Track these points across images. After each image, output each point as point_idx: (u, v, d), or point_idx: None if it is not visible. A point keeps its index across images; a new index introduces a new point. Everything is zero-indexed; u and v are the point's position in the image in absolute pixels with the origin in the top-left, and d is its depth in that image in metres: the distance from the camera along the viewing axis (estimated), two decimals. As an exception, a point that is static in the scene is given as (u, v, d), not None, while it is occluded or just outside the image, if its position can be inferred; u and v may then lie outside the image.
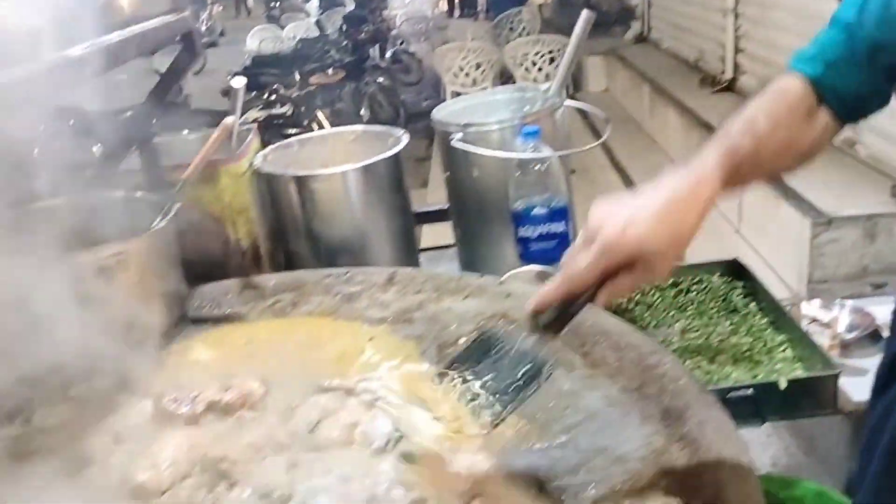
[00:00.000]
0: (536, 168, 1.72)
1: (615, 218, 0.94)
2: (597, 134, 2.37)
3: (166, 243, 1.47)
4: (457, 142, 1.79)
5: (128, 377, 1.26)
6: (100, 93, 1.45)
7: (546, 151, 1.71)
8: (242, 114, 1.79)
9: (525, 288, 1.51)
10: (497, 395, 1.01)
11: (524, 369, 1.01)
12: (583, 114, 2.17)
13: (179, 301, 1.52)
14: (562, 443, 1.06)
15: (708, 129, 4.20)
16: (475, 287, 1.53)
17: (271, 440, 1.10)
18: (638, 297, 2.23)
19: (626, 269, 0.95)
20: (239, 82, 1.76)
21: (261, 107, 7.86)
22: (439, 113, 1.92)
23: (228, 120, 1.52)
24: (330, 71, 8.86)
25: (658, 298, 2.19)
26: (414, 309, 1.49)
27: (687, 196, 0.96)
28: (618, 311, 2.20)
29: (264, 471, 1.02)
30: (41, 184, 1.52)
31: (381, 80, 9.39)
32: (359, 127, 2.02)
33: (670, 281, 2.22)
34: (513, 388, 1.00)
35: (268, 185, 1.81)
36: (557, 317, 1.01)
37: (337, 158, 1.94)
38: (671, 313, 2.11)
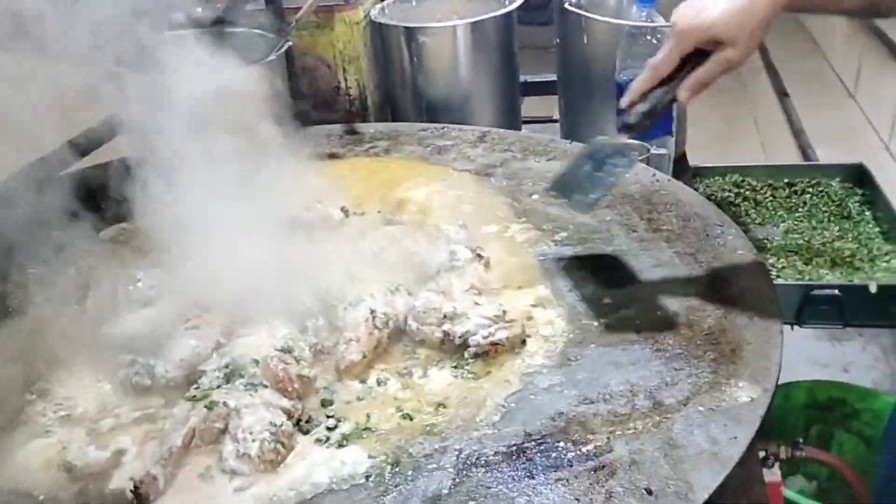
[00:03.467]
0: (648, 39, 1.67)
1: (691, 9, 1.00)
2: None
3: (276, 77, 1.58)
4: (570, 5, 1.75)
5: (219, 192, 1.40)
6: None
7: (659, 21, 1.65)
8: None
9: (611, 156, 1.51)
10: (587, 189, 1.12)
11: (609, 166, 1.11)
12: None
13: (287, 135, 1.64)
14: (598, 294, 1.10)
15: (878, 36, 3.79)
16: (561, 151, 1.55)
17: (338, 256, 1.20)
18: (747, 192, 2.16)
19: (704, 58, 1.00)
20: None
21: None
22: (558, -23, 1.87)
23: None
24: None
25: (769, 196, 2.11)
26: (497, 165, 1.53)
27: None
28: (722, 203, 2.15)
29: (326, 276, 1.13)
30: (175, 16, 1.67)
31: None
32: (477, -13, 2.01)
33: (784, 181, 2.13)
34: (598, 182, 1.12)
35: (380, 36, 1.87)
36: (645, 113, 1.07)
37: (454, 17, 1.95)
38: (779, 213, 2.03)
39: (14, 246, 1.30)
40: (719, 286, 1.07)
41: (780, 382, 1.75)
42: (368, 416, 0.91)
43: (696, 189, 2.19)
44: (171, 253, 1.20)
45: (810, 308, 1.63)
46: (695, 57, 1.01)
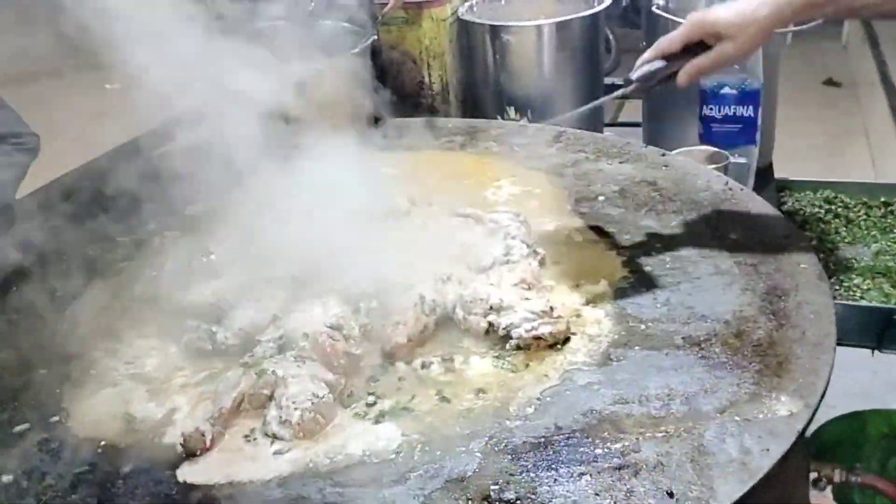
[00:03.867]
0: (734, 45, 1.63)
1: (704, 9, 1.17)
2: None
3: (360, 70, 1.64)
4: (657, 9, 1.73)
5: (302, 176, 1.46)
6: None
7: (748, 27, 1.61)
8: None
9: (685, 163, 1.49)
10: None
11: None
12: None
13: (370, 123, 1.70)
14: (654, 295, 1.09)
15: None
16: (635, 154, 1.54)
17: (399, 244, 1.24)
18: (839, 209, 2.07)
19: (707, 50, 1.16)
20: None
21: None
22: (649, -21, 1.85)
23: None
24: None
25: (862, 215, 2.02)
26: (569, 165, 1.54)
27: None
28: (809, 219, 2.07)
29: (384, 263, 1.17)
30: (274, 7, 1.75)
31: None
32: (567, -13, 2.01)
33: (881, 199, 2.04)
34: None
35: (466, 33, 1.90)
36: (647, 76, 1.21)
37: (542, 17, 1.96)
38: (871, 233, 1.94)
39: (108, 214, 1.41)
40: (776, 298, 1.04)
41: (859, 409, 1.68)
42: (408, 396, 0.94)
43: (783, 203, 2.12)
44: (243, 230, 1.27)
45: (892, 333, 1.55)
46: (699, 48, 1.17)
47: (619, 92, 1.25)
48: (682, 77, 1.18)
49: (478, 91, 1.95)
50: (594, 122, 1.95)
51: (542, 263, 1.17)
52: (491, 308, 1.03)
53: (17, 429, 0.94)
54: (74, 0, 1.17)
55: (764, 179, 1.82)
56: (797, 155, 3.37)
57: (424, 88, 1.93)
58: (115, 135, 1.77)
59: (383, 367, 1.01)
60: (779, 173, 2.09)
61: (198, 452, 0.87)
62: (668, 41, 1.19)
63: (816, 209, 2.07)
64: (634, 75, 1.21)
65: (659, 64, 1.19)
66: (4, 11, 1.77)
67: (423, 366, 1.00)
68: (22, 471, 0.88)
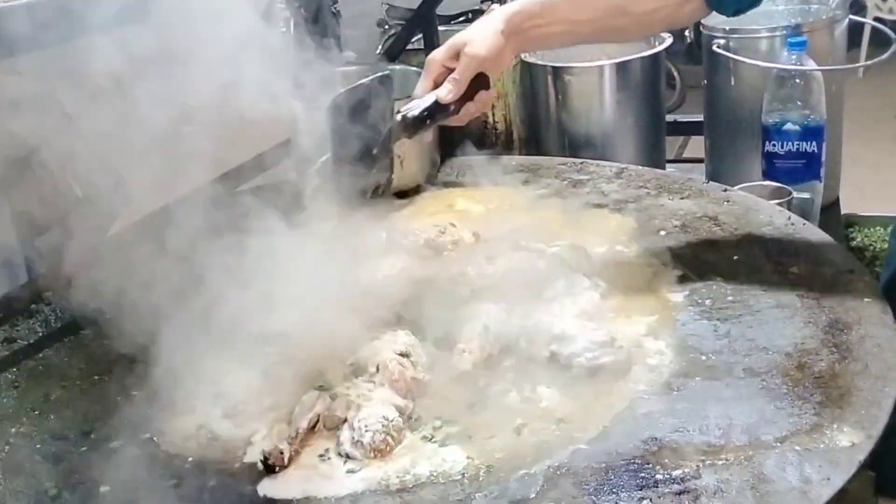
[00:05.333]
0: (796, 82, 1.65)
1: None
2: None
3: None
4: (717, 48, 1.76)
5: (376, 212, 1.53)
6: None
7: (810, 65, 1.62)
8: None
9: (747, 198, 1.51)
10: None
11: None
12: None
13: (436, 162, 1.77)
14: (714, 327, 1.11)
15: None
16: (696, 190, 1.56)
17: (464, 276, 1.29)
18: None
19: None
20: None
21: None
22: (711, 19, 1.89)
23: (494, 7, 1.69)
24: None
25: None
26: (630, 200, 1.57)
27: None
28: (879, 254, 2.04)
29: (451, 293, 1.22)
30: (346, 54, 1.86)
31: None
32: (629, 29, 2.06)
33: None
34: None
35: (529, 75, 1.97)
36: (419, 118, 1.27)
37: (603, 57, 2.01)
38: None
39: (195, 249, 1.49)
40: (839, 331, 1.05)
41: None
42: (473, 420, 0.99)
43: (851, 239, 2.10)
44: (318, 261, 1.34)
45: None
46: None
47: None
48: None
49: (540, 131, 2.00)
50: (655, 157, 1.98)
51: (603, 295, 1.21)
52: (553, 337, 1.07)
53: (113, 444, 1.02)
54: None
55: (830, 215, 1.81)
56: (868, 190, 3.31)
57: (488, 128, 2.00)
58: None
59: (450, 393, 1.05)
60: (848, 208, 2.07)
61: (276, 469, 0.93)
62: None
63: (886, 244, 2.04)
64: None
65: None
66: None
67: (492, 393, 1.04)
68: (118, 482, 0.95)
